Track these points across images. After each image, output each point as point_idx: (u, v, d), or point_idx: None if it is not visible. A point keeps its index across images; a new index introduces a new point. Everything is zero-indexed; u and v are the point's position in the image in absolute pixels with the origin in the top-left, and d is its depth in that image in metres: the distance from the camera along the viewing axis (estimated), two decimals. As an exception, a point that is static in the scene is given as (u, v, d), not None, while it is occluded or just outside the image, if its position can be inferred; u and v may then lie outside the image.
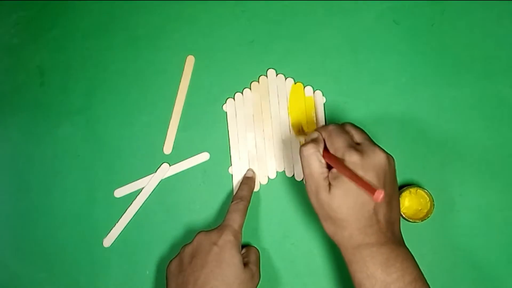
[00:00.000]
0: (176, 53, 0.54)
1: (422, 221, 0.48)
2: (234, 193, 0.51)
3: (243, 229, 0.47)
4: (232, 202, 0.49)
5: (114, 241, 0.52)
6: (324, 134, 0.43)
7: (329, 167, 0.42)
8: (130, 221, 0.52)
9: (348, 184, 0.39)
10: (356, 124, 0.45)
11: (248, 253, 0.48)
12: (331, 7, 0.54)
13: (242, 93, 0.53)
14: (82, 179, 0.53)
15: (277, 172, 0.52)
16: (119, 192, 0.52)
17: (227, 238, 0.45)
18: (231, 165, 0.52)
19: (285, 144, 0.52)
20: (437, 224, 0.50)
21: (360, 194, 0.39)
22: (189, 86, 0.53)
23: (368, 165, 0.40)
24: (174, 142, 0.53)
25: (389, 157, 0.41)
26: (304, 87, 0.52)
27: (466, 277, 0.50)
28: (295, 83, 0.53)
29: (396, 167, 0.43)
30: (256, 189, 0.52)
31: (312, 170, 0.42)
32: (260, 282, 0.46)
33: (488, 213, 0.51)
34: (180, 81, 0.53)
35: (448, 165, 0.51)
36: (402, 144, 0.52)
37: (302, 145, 0.43)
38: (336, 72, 0.53)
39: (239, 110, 0.53)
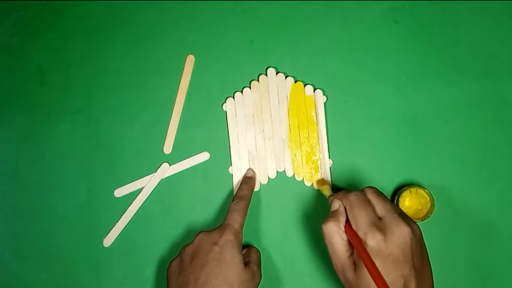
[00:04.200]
0: (176, 52, 0.54)
1: (422, 220, 0.48)
2: (235, 192, 0.51)
3: (243, 229, 0.47)
4: (232, 201, 0.49)
5: (114, 241, 0.52)
6: (345, 203, 0.42)
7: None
8: (130, 221, 0.52)
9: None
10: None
11: (249, 253, 0.48)
12: (331, 7, 0.54)
13: (242, 92, 0.53)
14: (82, 179, 0.53)
15: (277, 171, 0.52)
16: (119, 192, 0.52)
17: (227, 237, 0.45)
18: (231, 164, 0.52)
19: (285, 144, 0.52)
20: (437, 224, 0.50)
21: (387, 273, 0.38)
22: (189, 85, 0.53)
23: (392, 244, 0.38)
24: (174, 141, 0.53)
25: (413, 229, 0.40)
26: (304, 86, 0.52)
27: (466, 277, 0.50)
28: (295, 82, 0.52)
29: (421, 237, 0.41)
30: (256, 188, 0.52)
31: (335, 249, 0.41)
32: (260, 282, 0.46)
33: (488, 213, 0.51)
34: (180, 81, 0.53)
35: (448, 165, 0.51)
36: (402, 144, 0.52)
37: (323, 222, 0.42)
38: (336, 71, 0.53)
39: (239, 109, 0.52)
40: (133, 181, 0.52)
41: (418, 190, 0.49)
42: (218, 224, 0.47)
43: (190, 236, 0.48)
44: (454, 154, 0.52)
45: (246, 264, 0.45)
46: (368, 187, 0.44)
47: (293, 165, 0.52)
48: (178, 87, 0.53)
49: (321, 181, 0.51)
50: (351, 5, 0.54)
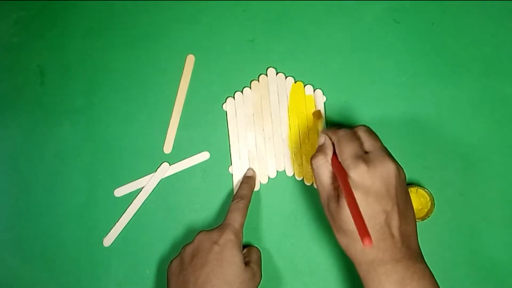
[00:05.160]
0: (176, 52, 0.54)
1: (422, 220, 0.48)
2: (235, 192, 0.51)
3: (243, 229, 0.47)
4: (232, 201, 0.49)
5: (114, 240, 0.52)
6: (334, 139, 0.43)
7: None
8: (130, 220, 0.52)
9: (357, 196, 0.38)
10: (357, 122, 0.44)
11: (250, 253, 0.48)
12: (332, 6, 0.54)
13: (242, 92, 0.53)
14: (82, 179, 0.53)
15: (277, 171, 0.52)
16: (119, 192, 0.52)
17: (228, 237, 0.45)
18: (231, 164, 0.52)
19: (285, 143, 0.52)
20: (437, 224, 0.50)
21: (368, 206, 0.38)
22: (189, 85, 0.53)
23: (375, 177, 0.38)
24: (174, 141, 0.53)
25: (399, 168, 0.40)
26: (304, 86, 0.52)
27: (466, 277, 0.50)
28: (295, 82, 0.53)
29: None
30: (256, 188, 0.52)
31: (322, 181, 0.42)
32: (261, 281, 0.46)
33: (489, 212, 0.51)
34: (180, 80, 0.53)
35: (449, 165, 0.51)
36: (402, 143, 0.52)
37: (312, 156, 0.43)
38: (336, 71, 0.53)
39: (239, 109, 0.52)
40: (133, 180, 0.52)
41: (418, 190, 0.49)
42: (218, 224, 0.47)
43: (190, 235, 0.48)
44: (454, 154, 0.52)
45: (247, 263, 0.45)
46: (361, 125, 0.44)
47: (293, 165, 0.52)
48: (178, 86, 0.53)
49: (317, 113, 0.50)
50: (351, 5, 0.54)
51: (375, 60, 0.53)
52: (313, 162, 0.42)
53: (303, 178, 0.52)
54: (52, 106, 0.54)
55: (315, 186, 0.52)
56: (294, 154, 0.52)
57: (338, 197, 0.40)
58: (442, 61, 0.53)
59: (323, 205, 0.42)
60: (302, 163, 0.52)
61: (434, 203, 0.48)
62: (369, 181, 0.38)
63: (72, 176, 0.53)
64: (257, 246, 0.51)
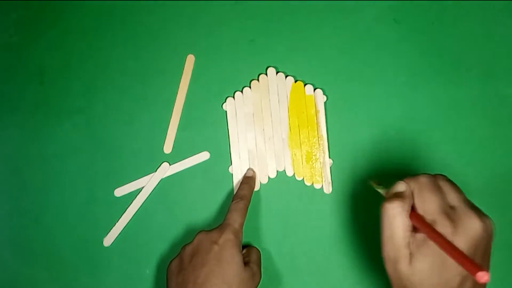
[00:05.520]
0: (176, 52, 0.54)
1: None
2: (235, 192, 0.51)
3: (243, 229, 0.47)
4: (232, 201, 0.49)
5: (114, 240, 0.52)
6: (414, 186, 0.37)
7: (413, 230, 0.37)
8: (130, 220, 0.52)
9: (433, 258, 0.35)
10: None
11: (249, 253, 0.48)
12: (331, 6, 0.54)
13: (242, 92, 0.53)
14: (82, 178, 0.53)
15: (277, 171, 0.52)
16: (119, 191, 0.52)
17: (227, 237, 0.45)
18: (231, 164, 0.52)
19: (285, 143, 0.52)
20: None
21: (445, 270, 0.35)
22: (189, 85, 0.53)
23: (460, 239, 0.34)
24: (174, 141, 0.53)
25: (487, 224, 0.36)
26: (305, 86, 0.52)
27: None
28: (295, 82, 0.53)
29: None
30: (256, 188, 0.52)
31: (395, 234, 0.36)
32: (260, 281, 0.46)
33: (489, 212, 0.51)
34: (180, 80, 0.53)
35: (449, 165, 0.51)
36: (402, 143, 0.52)
37: (387, 201, 0.37)
38: (336, 71, 0.53)
39: (239, 109, 0.52)
40: (133, 180, 0.52)
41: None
42: (218, 224, 0.47)
43: (190, 235, 0.48)
44: (454, 154, 0.52)
45: (246, 263, 0.45)
46: (440, 174, 0.39)
47: (293, 165, 0.52)
48: (178, 86, 0.53)
49: (377, 182, 0.44)
50: (351, 5, 0.54)
51: (375, 60, 0.53)
52: (389, 207, 0.36)
53: (303, 178, 0.52)
54: (51, 105, 0.54)
55: (316, 186, 0.52)
56: (294, 154, 0.52)
57: (410, 256, 0.35)
58: (442, 61, 0.53)
59: (387, 259, 0.37)
60: (302, 163, 0.52)
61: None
62: (453, 241, 0.34)
63: (72, 176, 0.53)
64: (257, 246, 0.51)
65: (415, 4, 0.54)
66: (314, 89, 0.52)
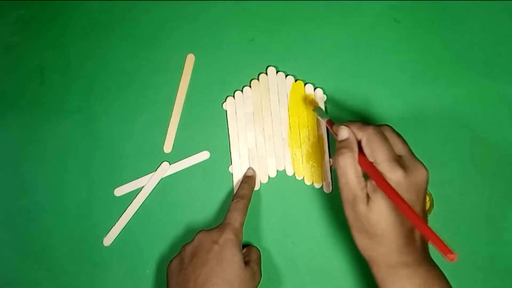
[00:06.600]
0: (176, 51, 0.54)
1: (422, 219, 0.48)
2: (235, 191, 0.51)
3: (243, 228, 0.47)
4: (232, 200, 0.49)
5: (114, 240, 0.52)
6: (362, 136, 0.40)
7: (365, 175, 0.39)
8: (130, 220, 0.52)
9: (389, 200, 0.37)
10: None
11: (249, 252, 0.48)
12: (332, 5, 0.54)
13: (242, 91, 0.53)
14: (82, 178, 0.53)
15: (277, 170, 0.52)
16: (119, 191, 0.52)
17: (227, 236, 0.45)
18: (231, 163, 0.52)
19: (285, 142, 0.52)
20: (437, 223, 0.50)
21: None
22: (189, 84, 0.53)
23: (410, 185, 0.37)
24: (174, 140, 0.53)
25: (428, 172, 0.39)
26: (305, 85, 0.52)
27: (466, 277, 0.50)
28: (295, 81, 0.52)
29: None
30: (256, 188, 0.52)
31: (349, 180, 0.39)
32: (260, 281, 0.46)
33: (489, 212, 0.51)
34: (180, 80, 0.53)
35: (449, 164, 0.51)
36: (402, 143, 0.52)
37: (338, 153, 0.39)
38: (336, 70, 0.53)
39: (239, 108, 0.52)
40: (133, 180, 0.52)
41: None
42: (218, 223, 0.47)
43: (190, 235, 0.48)
44: (454, 154, 0.52)
45: (246, 263, 0.45)
46: (386, 125, 0.42)
47: (293, 164, 0.52)
48: (178, 86, 0.53)
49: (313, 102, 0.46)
50: (351, 5, 0.54)
51: (375, 60, 0.53)
52: (339, 159, 0.39)
53: (303, 178, 0.52)
54: (51, 105, 0.54)
55: (316, 185, 0.52)
56: (295, 154, 0.52)
57: (367, 199, 0.38)
58: (442, 61, 0.53)
59: (346, 204, 0.40)
60: (302, 162, 0.52)
61: (433, 202, 0.48)
62: (404, 187, 0.37)
63: (72, 176, 0.53)
64: (257, 246, 0.51)
65: (415, 3, 0.54)
66: (314, 89, 0.52)
